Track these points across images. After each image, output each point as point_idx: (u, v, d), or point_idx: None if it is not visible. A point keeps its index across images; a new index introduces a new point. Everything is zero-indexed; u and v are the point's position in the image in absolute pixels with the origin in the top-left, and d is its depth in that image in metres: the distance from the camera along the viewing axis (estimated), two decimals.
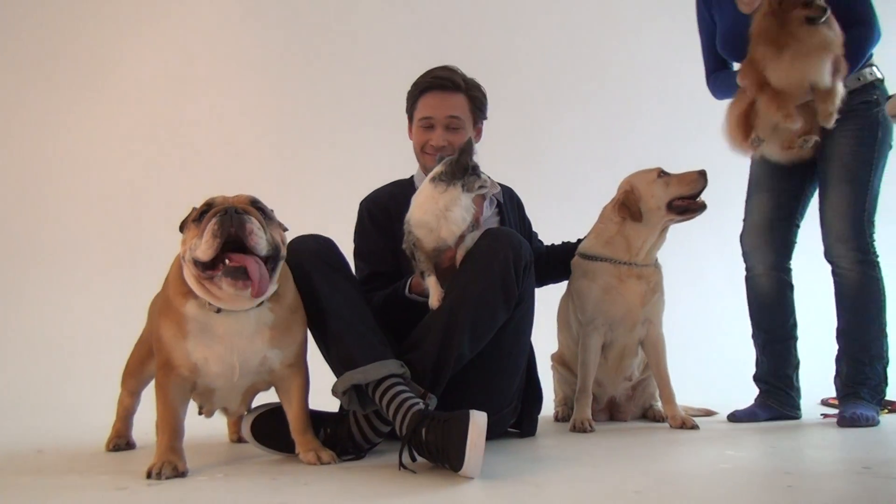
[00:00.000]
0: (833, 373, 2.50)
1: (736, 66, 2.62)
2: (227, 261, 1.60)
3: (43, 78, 4.11)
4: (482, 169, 2.02)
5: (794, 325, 2.61)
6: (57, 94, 4.13)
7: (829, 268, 2.45)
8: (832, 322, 2.48)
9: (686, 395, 2.59)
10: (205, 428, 2.20)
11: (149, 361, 2.03)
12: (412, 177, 2.40)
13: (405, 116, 2.44)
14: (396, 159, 2.66)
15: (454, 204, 1.93)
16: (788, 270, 2.61)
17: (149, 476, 1.60)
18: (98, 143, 4.17)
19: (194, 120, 4.32)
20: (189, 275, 1.65)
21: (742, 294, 2.67)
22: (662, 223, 2.47)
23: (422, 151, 2.32)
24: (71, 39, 4.20)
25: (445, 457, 1.58)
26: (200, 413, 2.03)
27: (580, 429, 2.37)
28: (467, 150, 1.97)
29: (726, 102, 2.56)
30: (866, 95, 2.39)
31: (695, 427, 2.38)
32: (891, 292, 2.41)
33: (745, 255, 2.66)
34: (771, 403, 2.57)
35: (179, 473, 1.63)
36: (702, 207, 2.44)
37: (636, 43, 4.54)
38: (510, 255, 1.91)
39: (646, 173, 2.50)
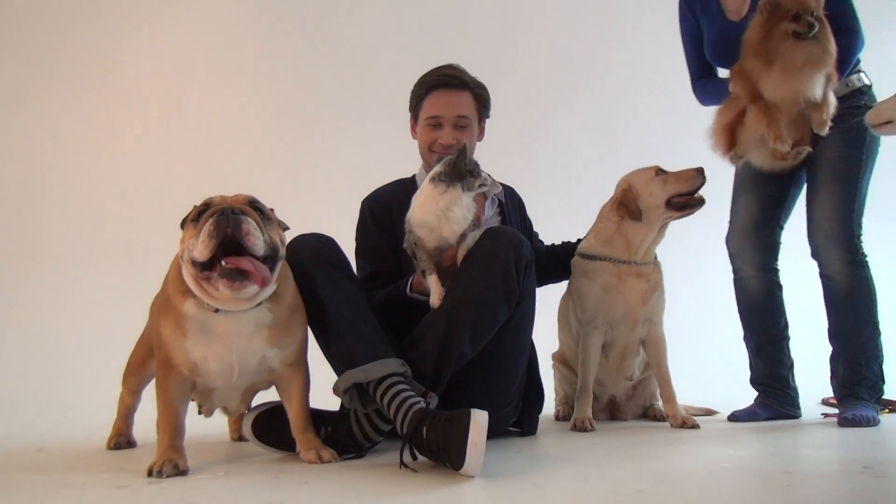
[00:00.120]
0: (828, 373, 2.49)
1: (722, 72, 2.62)
2: (223, 262, 1.60)
3: (43, 76, 4.11)
4: (483, 168, 2.03)
5: (786, 326, 2.61)
6: (57, 92, 4.13)
7: (814, 267, 2.44)
8: (821, 319, 2.48)
9: (686, 394, 2.59)
10: (205, 427, 2.20)
11: (150, 360, 2.03)
12: (414, 176, 2.40)
13: (406, 115, 2.43)
14: (398, 158, 2.65)
15: (455, 203, 1.94)
16: (776, 271, 2.61)
17: (150, 474, 1.61)
18: (99, 141, 4.17)
19: (195, 118, 4.32)
20: (187, 274, 1.65)
21: None
22: (661, 221, 2.47)
23: (429, 150, 2.31)
24: (71, 38, 4.19)
25: (446, 455, 1.58)
26: (200, 412, 2.04)
27: (581, 428, 2.37)
28: (463, 153, 1.97)
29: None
30: (854, 101, 2.38)
31: (695, 426, 2.38)
32: (880, 290, 2.41)
33: (731, 257, 2.65)
34: (770, 403, 2.57)
35: (180, 472, 1.63)
36: (700, 202, 2.44)
37: (635, 42, 4.54)
38: (511, 254, 1.91)
39: (643, 172, 2.50)
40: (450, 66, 2.33)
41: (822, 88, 2.25)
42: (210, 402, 1.95)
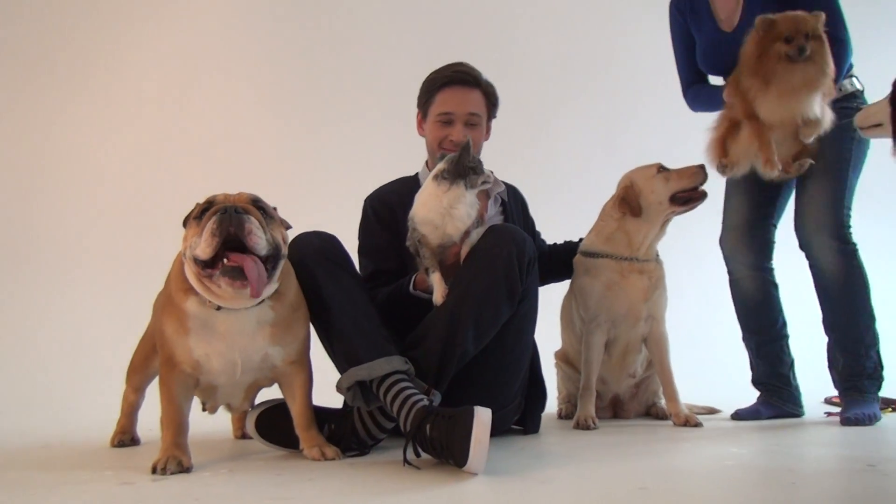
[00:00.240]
0: (826, 363, 2.49)
1: (713, 79, 2.61)
2: (225, 260, 1.60)
3: (44, 76, 4.12)
4: (486, 166, 2.03)
5: (784, 324, 2.60)
6: (58, 93, 4.14)
7: (807, 263, 2.44)
8: (820, 316, 2.47)
9: (689, 392, 2.59)
10: (208, 425, 2.20)
11: (153, 358, 2.03)
12: (417, 174, 2.40)
13: (409, 114, 2.42)
14: (400, 156, 2.65)
15: (458, 201, 1.94)
16: (770, 270, 2.59)
17: (154, 471, 1.61)
18: (103, 141, 4.17)
19: (197, 118, 4.32)
20: (190, 272, 1.66)
21: None
22: (663, 217, 2.47)
23: (438, 147, 2.27)
24: (74, 39, 4.20)
25: (450, 453, 1.58)
26: (204, 409, 2.04)
27: (584, 426, 2.37)
28: (466, 150, 1.97)
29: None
30: (846, 102, 2.38)
31: (698, 425, 2.38)
32: (875, 290, 2.39)
33: (725, 258, 2.64)
34: (773, 402, 2.57)
35: (184, 469, 1.64)
36: (703, 196, 2.44)
37: (637, 40, 4.52)
38: (514, 251, 1.91)
39: (645, 169, 2.50)
40: (462, 64, 2.33)
41: (819, 108, 2.24)
42: (213, 400, 1.96)
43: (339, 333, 1.86)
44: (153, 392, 1.97)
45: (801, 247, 2.42)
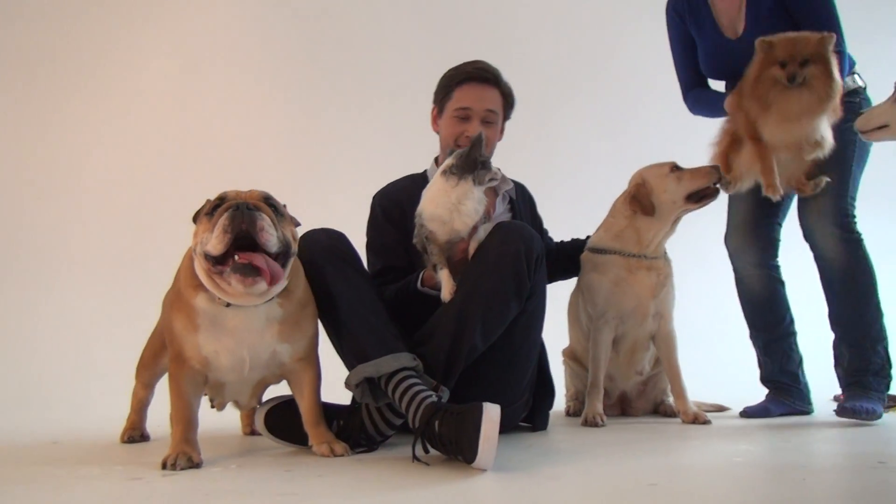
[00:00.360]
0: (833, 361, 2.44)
1: (713, 82, 2.58)
2: (236, 257, 1.61)
3: (51, 78, 4.12)
4: (496, 165, 2.02)
5: (792, 322, 2.59)
6: (64, 94, 4.14)
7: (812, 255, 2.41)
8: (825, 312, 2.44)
9: (697, 390, 2.58)
10: (217, 422, 2.21)
11: (162, 354, 2.05)
12: (425, 171, 2.40)
13: (416, 112, 2.42)
14: (407, 154, 2.65)
15: (466, 196, 1.94)
16: (776, 267, 2.58)
17: (164, 467, 1.62)
18: (109, 140, 4.18)
19: (203, 116, 4.33)
20: (200, 268, 1.66)
21: None
22: (674, 216, 2.46)
23: (454, 143, 2.25)
24: (79, 39, 4.21)
25: (458, 449, 1.58)
26: (213, 406, 2.04)
27: (591, 423, 2.37)
28: (478, 143, 1.97)
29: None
30: (848, 98, 2.33)
31: (707, 422, 2.37)
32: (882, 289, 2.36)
33: (731, 256, 2.63)
34: (783, 399, 2.56)
35: (194, 464, 1.64)
36: (716, 193, 2.43)
37: (643, 36, 4.50)
38: (522, 248, 1.91)
39: (658, 167, 2.49)
40: (482, 62, 2.32)
41: (823, 130, 2.20)
42: (222, 396, 1.96)
43: (347, 330, 1.86)
44: (162, 388, 1.98)
45: (805, 237, 2.40)
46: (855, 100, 2.35)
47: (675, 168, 2.46)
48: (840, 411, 2.27)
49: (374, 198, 2.37)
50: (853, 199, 2.35)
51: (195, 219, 1.72)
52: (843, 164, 2.32)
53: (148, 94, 4.29)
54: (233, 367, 1.73)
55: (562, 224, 2.71)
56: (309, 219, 1.91)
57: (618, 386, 2.66)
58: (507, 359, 2.05)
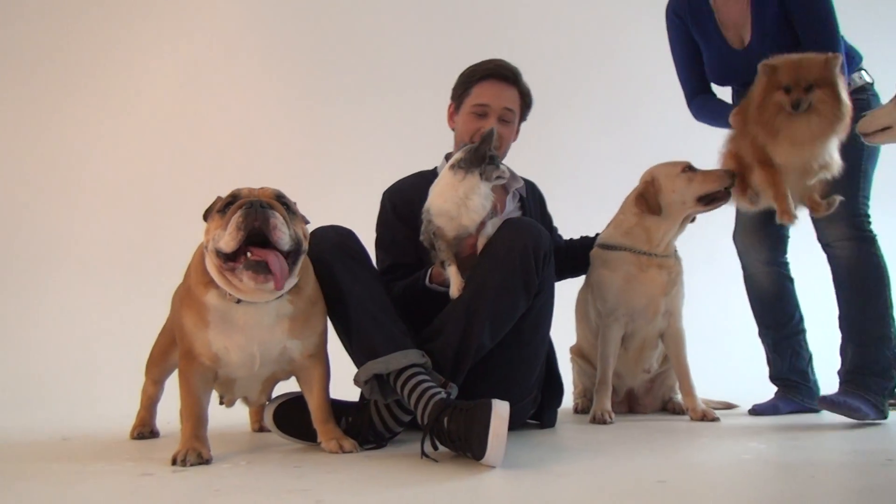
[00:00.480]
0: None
1: (716, 88, 2.55)
2: (248, 254, 1.61)
3: (57, 80, 4.14)
4: (508, 163, 2.01)
5: (801, 319, 2.57)
6: (71, 95, 4.16)
7: (825, 257, 2.37)
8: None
9: (706, 387, 2.58)
10: (227, 418, 2.22)
11: (172, 351, 2.06)
12: (435, 168, 2.40)
13: (422, 109, 2.42)
14: (415, 150, 2.65)
15: (473, 192, 1.94)
16: (785, 264, 2.56)
17: (174, 463, 1.63)
18: (117, 141, 4.20)
19: (208, 115, 4.34)
20: (211, 265, 1.67)
21: None
22: (683, 216, 2.45)
23: (470, 140, 2.22)
24: (84, 39, 4.22)
25: (467, 445, 1.58)
26: (222, 402, 2.05)
27: (600, 420, 2.37)
28: (488, 138, 1.96)
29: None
30: (858, 94, 2.30)
31: (715, 419, 2.37)
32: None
33: (739, 254, 2.62)
34: (792, 397, 2.55)
35: (204, 461, 1.65)
36: (727, 196, 2.38)
37: (651, 33, 4.50)
38: (530, 245, 1.91)
39: (670, 166, 2.46)
40: (502, 60, 2.32)
41: (832, 151, 2.14)
42: (231, 393, 1.97)
43: (356, 327, 1.86)
44: (172, 385, 1.99)
45: (818, 236, 2.37)
46: (862, 97, 2.31)
47: (687, 168, 2.43)
48: (820, 401, 2.23)
49: (384, 194, 2.37)
50: (866, 197, 2.31)
51: (206, 216, 1.72)
52: (854, 163, 2.26)
53: (151, 92, 4.30)
54: (243, 363, 1.74)
55: (567, 222, 2.71)
56: (316, 216, 1.91)
57: (626, 383, 2.66)
58: (515, 355, 2.05)
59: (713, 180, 2.38)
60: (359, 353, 1.86)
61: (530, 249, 1.90)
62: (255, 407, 2.27)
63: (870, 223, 2.30)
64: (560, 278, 2.44)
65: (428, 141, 2.45)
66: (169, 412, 2.14)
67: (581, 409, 2.73)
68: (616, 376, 2.57)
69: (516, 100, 2.31)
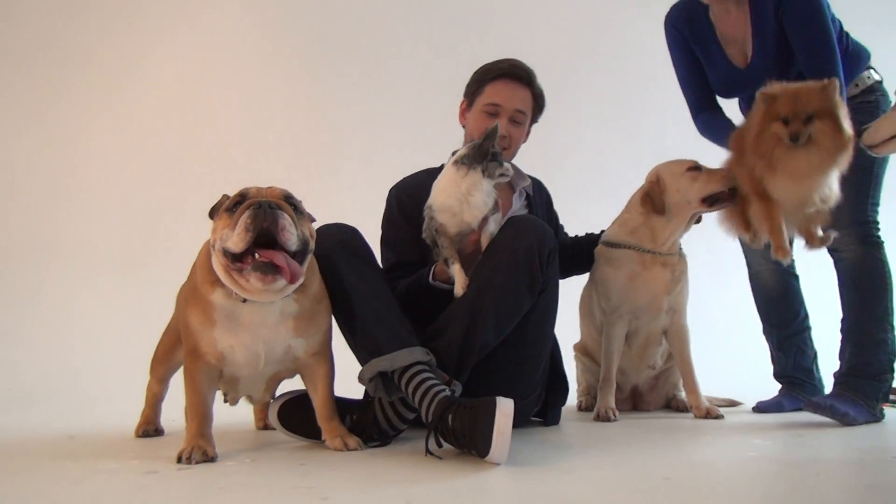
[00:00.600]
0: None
1: (721, 100, 2.50)
2: (256, 255, 1.61)
3: (63, 80, 4.15)
4: (515, 161, 2.00)
5: (806, 316, 2.56)
6: (77, 96, 4.16)
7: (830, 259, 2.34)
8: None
9: (710, 385, 2.57)
10: (231, 416, 2.22)
11: (177, 349, 2.06)
12: (442, 165, 2.39)
13: (432, 105, 2.41)
14: (417, 148, 2.66)
15: (475, 188, 1.93)
16: (791, 262, 2.52)
17: (179, 460, 1.63)
18: (125, 142, 4.20)
19: (213, 114, 4.34)
20: (218, 264, 1.67)
21: None
22: (689, 215, 2.43)
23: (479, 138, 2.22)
24: (93, 40, 4.23)
25: (472, 443, 1.58)
26: (226, 401, 2.05)
27: (604, 417, 2.37)
28: (492, 135, 1.96)
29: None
30: (867, 96, 2.29)
31: (719, 417, 2.37)
32: None
33: (744, 252, 2.60)
34: (796, 394, 2.55)
35: (209, 458, 1.66)
36: (732, 197, 2.32)
37: (658, 31, 4.49)
38: (534, 243, 1.91)
39: (677, 165, 2.44)
40: (517, 60, 2.31)
41: (831, 183, 2.06)
42: (236, 391, 1.97)
43: (360, 325, 1.86)
44: (177, 383, 1.99)
45: None
46: (870, 98, 2.28)
47: (692, 168, 2.41)
48: (806, 404, 2.20)
49: (390, 191, 2.37)
50: (875, 203, 2.26)
51: (212, 213, 1.73)
52: (865, 167, 2.19)
53: (155, 89, 4.30)
54: (248, 361, 1.74)
55: (574, 220, 2.71)
56: (321, 213, 1.91)
57: (630, 380, 2.65)
58: (519, 353, 2.05)
59: (717, 180, 2.35)
60: (363, 351, 1.87)
61: (535, 248, 1.90)
62: (260, 405, 2.27)
63: (877, 230, 2.27)
64: (565, 276, 2.44)
65: (435, 137, 2.45)
66: (173, 410, 2.15)
67: (585, 406, 2.73)
68: (620, 373, 2.57)
69: (529, 101, 2.31)
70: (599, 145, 4.66)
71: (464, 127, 2.38)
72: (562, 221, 2.63)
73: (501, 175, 1.99)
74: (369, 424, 1.89)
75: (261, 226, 1.60)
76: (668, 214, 2.42)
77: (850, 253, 2.25)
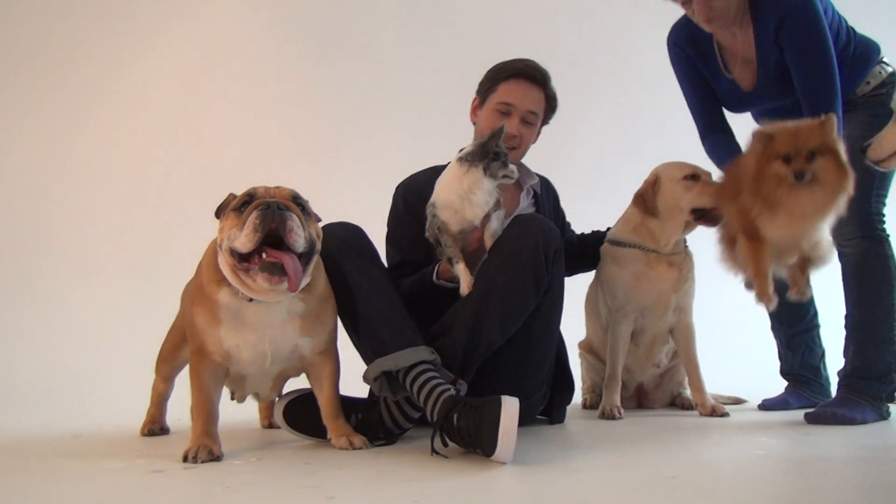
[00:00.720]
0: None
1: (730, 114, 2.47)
2: (263, 255, 1.61)
3: (63, 80, 4.16)
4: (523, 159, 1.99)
5: (815, 314, 2.55)
6: (77, 96, 4.17)
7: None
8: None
9: (715, 383, 2.57)
10: (236, 414, 2.22)
11: (182, 348, 2.06)
12: (449, 163, 2.38)
13: (436, 106, 2.41)
14: (431, 145, 2.64)
15: (476, 186, 1.92)
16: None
17: (185, 459, 1.63)
18: (126, 140, 4.21)
19: (218, 111, 4.35)
20: (224, 263, 1.67)
21: None
22: (683, 221, 2.40)
23: None
24: (91, 40, 4.24)
25: (478, 442, 1.58)
26: (233, 399, 2.05)
27: (609, 415, 2.37)
28: (497, 134, 1.95)
29: None
30: (879, 89, 2.25)
31: (725, 415, 2.36)
32: None
33: None
34: (802, 392, 2.54)
35: (215, 457, 1.66)
36: (718, 220, 2.28)
37: (664, 32, 4.49)
38: (540, 241, 1.90)
39: (677, 169, 2.41)
40: (532, 60, 2.31)
41: (824, 231, 2.01)
42: (242, 389, 1.97)
43: (365, 324, 1.86)
44: (182, 382, 1.99)
45: (830, 234, 2.34)
46: (882, 91, 2.24)
47: (689, 176, 2.37)
48: (807, 416, 2.16)
49: (397, 188, 2.35)
50: (882, 195, 2.22)
51: (218, 213, 1.72)
52: (864, 167, 2.12)
53: (159, 89, 4.31)
54: (254, 360, 1.74)
55: (581, 217, 2.70)
56: (326, 211, 1.90)
57: (635, 378, 2.65)
58: (524, 352, 2.04)
59: (709, 195, 2.32)
60: (368, 350, 1.87)
61: (540, 247, 1.90)
62: (265, 403, 2.28)
63: (883, 222, 2.24)
64: (572, 273, 2.43)
65: (442, 135, 2.44)
66: (179, 409, 2.15)
67: (590, 404, 2.72)
68: (626, 371, 2.57)
69: (541, 102, 2.30)
70: (608, 143, 4.66)
71: (474, 124, 2.37)
72: (571, 219, 2.62)
73: (505, 177, 1.97)
74: (374, 423, 1.89)
75: (269, 226, 1.60)
76: (661, 217, 2.40)
77: (854, 248, 2.22)
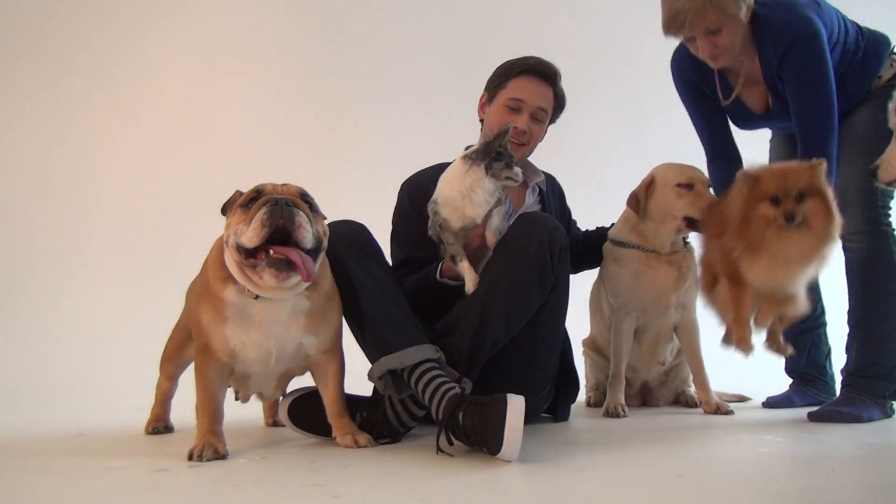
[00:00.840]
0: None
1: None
2: (270, 251, 1.61)
3: (67, 77, 4.14)
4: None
5: (823, 312, 2.54)
6: (81, 93, 4.16)
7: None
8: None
9: (719, 380, 2.56)
10: (241, 413, 2.22)
11: (186, 346, 2.06)
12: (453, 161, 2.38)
13: (436, 105, 2.41)
14: (436, 142, 2.63)
15: (477, 185, 1.91)
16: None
17: (190, 458, 1.63)
18: (129, 139, 4.20)
19: (221, 114, 4.33)
20: (230, 260, 1.66)
21: None
22: (675, 226, 2.38)
23: None
24: (94, 36, 4.22)
25: (483, 440, 1.58)
26: (237, 398, 2.05)
27: (613, 413, 2.37)
28: (502, 134, 1.94)
29: None
30: (893, 80, 2.23)
31: (729, 412, 2.36)
32: None
33: None
34: (807, 390, 2.53)
35: (220, 456, 1.65)
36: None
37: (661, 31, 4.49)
38: (545, 239, 1.90)
39: (672, 174, 2.38)
40: (543, 58, 2.30)
41: (803, 284, 1.94)
42: (246, 388, 1.97)
43: (369, 322, 1.86)
44: (186, 380, 1.99)
45: None
46: (893, 82, 2.21)
47: (682, 185, 2.35)
48: (811, 415, 2.16)
49: (402, 185, 2.34)
50: (887, 189, 2.19)
51: (224, 210, 1.72)
52: (873, 154, 2.08)
53: (167, 90, 4.30)
54: (259, 359, 1.74)
55: (587, 214, 2.70)
56: (331, 209, 1.90)
57: (640, 376, 2.65)
58: (529, 350, 2.04)
59: (698, 207, 2.31)
60: (372, 349, 1.86)
61: (546, 245, 1.89)
62: (270, 402, 2.27)
63: (888, 216, 2.22)
64: (580, 270, 2.43)
65: (448, 132, 2.43)
66: (183, 408, 2.15)
67: (594, 402, 2.72)
68: (630, 369, 2.57)
69: (551, 100, 2.30)
70: (614, 140, 4.65)
71: (482, 121, 2.37)
72: (576, 217, 2.62)
73: (508, 178, 1.95)
74: (379, 422, 1.89)
75: (277, 222, 1.59)
76: (654, 220, 2.39)
77: (858, 244, 2.20)
